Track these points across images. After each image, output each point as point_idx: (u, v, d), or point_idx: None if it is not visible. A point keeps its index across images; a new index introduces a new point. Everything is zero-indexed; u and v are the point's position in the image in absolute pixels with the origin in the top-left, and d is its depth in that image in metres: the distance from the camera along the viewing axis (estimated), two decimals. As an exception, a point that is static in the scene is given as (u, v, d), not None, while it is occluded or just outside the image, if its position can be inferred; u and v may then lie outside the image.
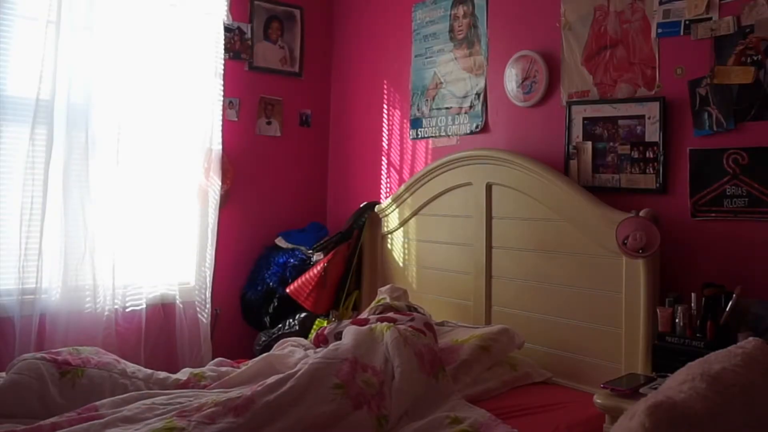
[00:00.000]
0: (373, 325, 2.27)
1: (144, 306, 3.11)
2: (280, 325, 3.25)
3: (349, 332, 2.22)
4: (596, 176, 2.54)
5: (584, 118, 2.59)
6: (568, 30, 2.67)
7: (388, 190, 3.52)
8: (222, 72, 3.42)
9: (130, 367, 2.23)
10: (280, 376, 1.91)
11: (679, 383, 1.31)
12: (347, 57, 3.85)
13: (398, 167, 3.48)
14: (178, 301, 3.23)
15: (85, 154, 2.93)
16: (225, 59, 3.46)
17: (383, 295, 2.90)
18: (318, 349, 2.39)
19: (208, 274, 3.31)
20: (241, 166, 3.57)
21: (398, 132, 3.48)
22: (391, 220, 3.28)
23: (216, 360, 2.51)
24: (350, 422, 1.83)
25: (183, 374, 2.28)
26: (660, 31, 2.37)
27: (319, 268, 3.16)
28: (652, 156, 2.38)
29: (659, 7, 2.37)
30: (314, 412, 1.80)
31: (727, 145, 2.18)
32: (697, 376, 1.31)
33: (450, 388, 2.09)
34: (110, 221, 3.00)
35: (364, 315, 2.64)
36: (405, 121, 3.43)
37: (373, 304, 2.93)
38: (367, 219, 3.35)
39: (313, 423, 1.79)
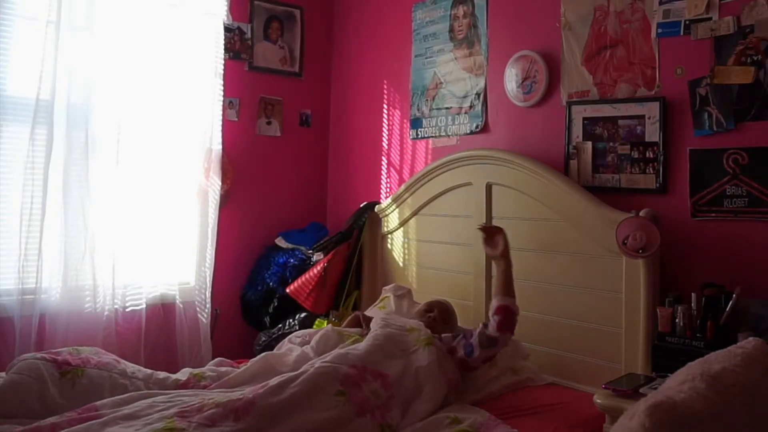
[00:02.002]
0: (410, 328, 2.19)
1: (144, 306, 3.11)
2: (280, 325, 3.25)
3: (370, 335, 2.15)
4: (596, 176, 2.54)
5: (584, 118, 2.59)
6: (568, 30, 2.67)
7: (388, 190, 3.52)
8: (222, 72, 3.42)
9: (130, 367, 2.22)
10: (283, 378, 1.87)
11: (679, 383, 1.31)
12: (347, 57, 3.85)
13: (398, 167, 3.48)
14: (178, 301, 3.23)
15: (85, 154, 2.92)
16: (225, 59, 3.45)
17: (387, 293, 2.90)
18: (309, 346, 2.34)
19: (208, 274, 3.31)
20: (241, 166, 3.57)
21: (398, 132, 3.48)
22: (391, 220, 3.28)
23: (216, 360, 2.51)
24: (352, 429, 1.81)
25: (183, 374, 2.28)
26: (660, 31, 2.37)
27: (319, 268, 3.16)
28: (652, 156, 2.38)
29: (659, 7, 2.37)
30: (315, 418, 1.78)
31: (727, 145, 2.18)
32: (697, 376, 1.31)
33: (451, 402, 2.09)
34: (110, 221, 3.00)
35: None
36: (405, 121, 3.43)
37: (377, 303, 2.93)
38: (367, 219, 3.35)
39: (314, 428, 1.77)
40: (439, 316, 2.46)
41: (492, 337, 2.13)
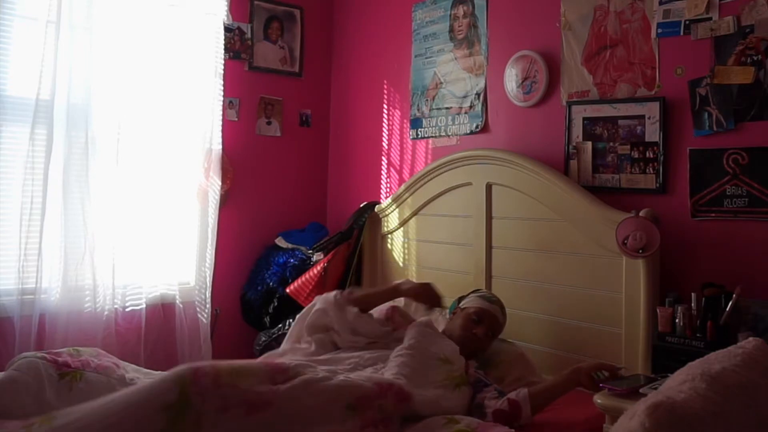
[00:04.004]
0: (443, 358, 2.08)
1: (144, 306, 3.11)
2: (280, 325, 3.24)
3: (395, 363, 2.04)
4: (596, 176, 2.54)
5: (584, 118, 2.59)
6: (568, 30, 2.67)
7: (388, 190, 3.52)
8: (222, 72, 3.42)
9: (130, 372, 2.20)
10: (302, 381, 1.82)
11: (679, 383, 1.31)
12: (347, 57, 3.85)
13: (398, 167, 3.48)
14: (178, 301, 3.22)
15: (85, 153, 2.92)
16: (225, 59, 3.45)
17: None
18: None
19: (208, 274, 3.31)
20: (241, 166, 3.57)
21: (398, 132, 3.48)
22: (391, 220, 3.28)
23: None
24: None
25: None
26: (660, 31, 2.37)
27: (319, 268, 3.16)
28: (652, 156, 2.38)
29: (659, 7, 2.37)
30: (322, 430, 1.77)
31: (727, 145, 2.18)
32: (697, 376, 1.31)
33: None
34: (110, 221, 3.00)
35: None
36: (405, 121, 3.43)
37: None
38: (367, 219, 3.35)
39: None
40: (485, 334, 2.29)
41: (484, 412, 1.99)
